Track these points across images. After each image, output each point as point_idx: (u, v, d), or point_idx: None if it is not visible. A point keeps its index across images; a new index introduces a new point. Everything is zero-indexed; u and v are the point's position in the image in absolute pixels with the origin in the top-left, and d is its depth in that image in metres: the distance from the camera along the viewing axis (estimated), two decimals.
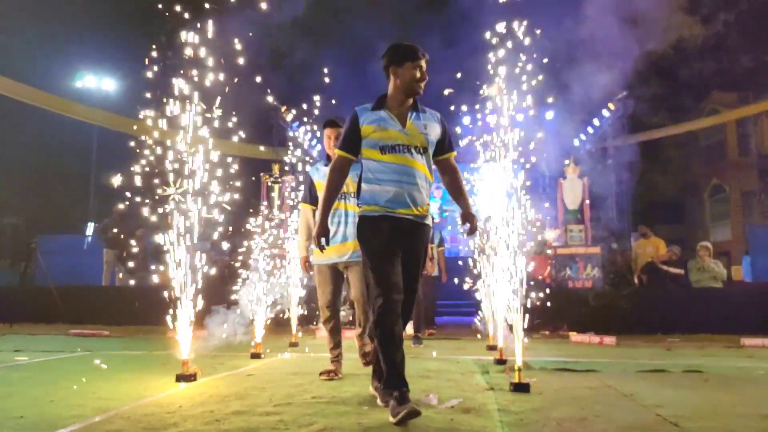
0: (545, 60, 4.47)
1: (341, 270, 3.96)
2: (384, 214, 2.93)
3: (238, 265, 6.46)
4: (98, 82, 18.71)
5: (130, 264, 10.08)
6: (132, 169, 4.25)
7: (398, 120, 2.99)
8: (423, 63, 2.98)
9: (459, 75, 5.62)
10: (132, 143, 4.39)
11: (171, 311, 3.84)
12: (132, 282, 9.84)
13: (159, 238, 3.98)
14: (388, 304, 2.81)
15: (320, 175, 4.02)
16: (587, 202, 10.91)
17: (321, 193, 3.54)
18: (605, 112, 13.41)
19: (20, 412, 2.79)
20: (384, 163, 2.94)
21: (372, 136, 2.96)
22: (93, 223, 14.07)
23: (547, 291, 6.99)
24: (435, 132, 3.04)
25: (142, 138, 4.20)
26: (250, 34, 4.61)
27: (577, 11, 8.61)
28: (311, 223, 4.00)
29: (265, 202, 9.89)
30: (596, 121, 13.92)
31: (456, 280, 7.12)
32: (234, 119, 4.42)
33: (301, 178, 7.72)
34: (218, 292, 5.72)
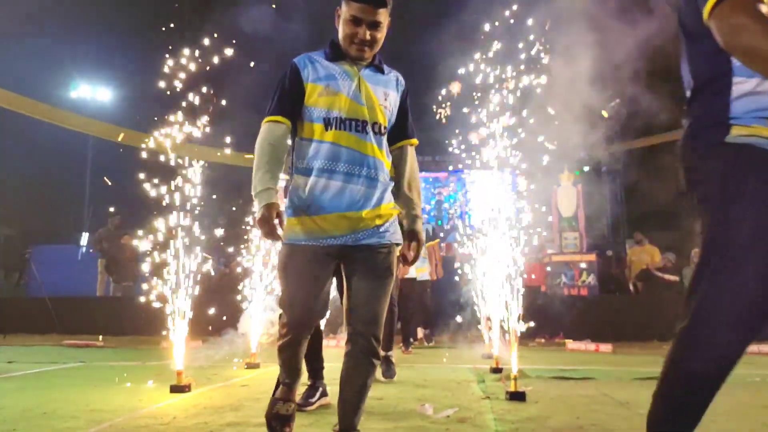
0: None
1: (334, 258, 2.11)
2: None
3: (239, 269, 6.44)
4: (93, 92, 18.71)
5: (117, 274, 10.01)
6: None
7: None
8: None
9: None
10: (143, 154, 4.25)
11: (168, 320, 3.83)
12: (118, 294, 9.78)
13: (146, 245, 3.95)
14: None
15: (317, 74, 2.10)
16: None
17: (318, 108, 2.07)
18: (599, 119, 13.49)
19: (12, 424, 2.77)
20: None
21: None
22: (87, 234, 14.01)
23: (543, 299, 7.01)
24: None
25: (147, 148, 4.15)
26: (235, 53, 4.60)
27: (574, 14, 8.63)
28: (280, 152, 2.10)
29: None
30: (590, 128, 13.98)
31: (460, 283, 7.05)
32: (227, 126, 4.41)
33: None
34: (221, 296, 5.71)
